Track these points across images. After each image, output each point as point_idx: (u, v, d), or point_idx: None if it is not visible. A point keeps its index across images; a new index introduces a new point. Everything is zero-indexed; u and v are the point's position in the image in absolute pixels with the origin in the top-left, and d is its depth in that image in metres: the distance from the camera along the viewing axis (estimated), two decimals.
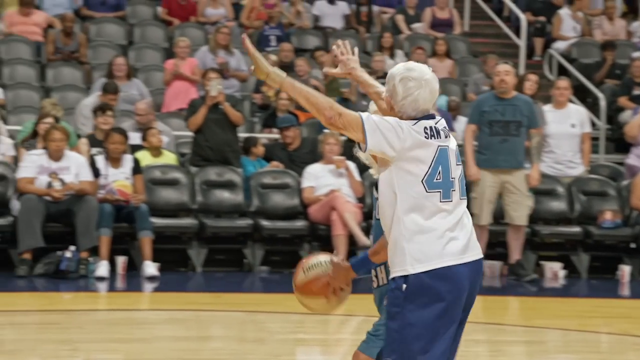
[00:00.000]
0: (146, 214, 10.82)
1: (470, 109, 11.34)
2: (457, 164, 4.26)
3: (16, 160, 11.29)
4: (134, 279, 10.69)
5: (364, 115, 4.16)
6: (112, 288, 10.38)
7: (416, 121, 4.21)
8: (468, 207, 4.35)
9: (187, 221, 11.42)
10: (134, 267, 10.88)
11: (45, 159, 10.69)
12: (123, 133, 11.19)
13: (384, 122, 4.15)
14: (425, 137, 4.18)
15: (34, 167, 10.66)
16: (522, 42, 16.12)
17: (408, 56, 14.76)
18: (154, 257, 10.71)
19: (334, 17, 16.07)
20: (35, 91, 13.43)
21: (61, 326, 8.55)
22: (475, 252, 4.23)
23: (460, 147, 11.50)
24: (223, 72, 13.16)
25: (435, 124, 4.23)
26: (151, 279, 10.55)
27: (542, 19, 16.61)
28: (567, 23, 16.41)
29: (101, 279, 10.43)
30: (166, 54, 14.60)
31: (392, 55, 14.84)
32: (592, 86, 14.88)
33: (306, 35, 15.62)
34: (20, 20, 14.30)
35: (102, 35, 14.91)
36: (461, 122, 12.29)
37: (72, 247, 10.51)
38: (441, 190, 4.18)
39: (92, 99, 12.24)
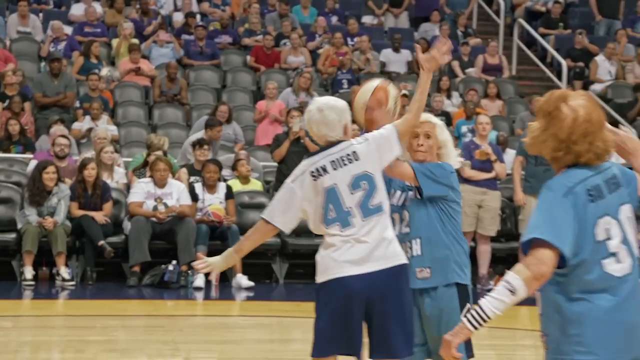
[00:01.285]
0: (237, 233, 10.89)
1: (519, 143, 11.25)
2: (351, 193, 4.24)
3: (128, 187, 11.46)
4: (226, 289, 10.77)
5: (265, 215, 4.44)
6: (207, 297, 10.46)
7: (304, 169, 4.34)
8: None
9: (271, 239, 11.43)
10: (225, 279, 10.96)
11: (152, 185, 10.83)
12: (218, 164, 11.30)
13: (282, 198, 4.41)
14: (314, 179, 4.29)
15: (142, 192, 10.82)
16: (563, 85, 15.95)
17: (463, 97, 14.71)
18: (243, 270, 10.78)
19: (398, 63, 16.08)
20: (144, 128, 13.63)
21: (165, 329, 8.63)
22: (379, 263, 4.21)
23: (509, 176, 11.47)
24: (303, 110, 13.22)
25: (331, 155, 4.31)
26: (244, 289, 10.61)
27: (580, 64, 16.43)
28: (603, 67, 16.22)
29: (198, 288, 10.53)
30: (254, 96, 14.74)
31: (449, 96, 14.80)
32: (626, 123, 14.66)
33: (374, 79, 15.61)
34: (130, 67, 14.55)
35: (200, 80, 15.11)
36: (509, 154, 12.20)
37: (174, 262, 10.63)
38: (339, 223, 4.24)
39: (196, 136, 12.37)
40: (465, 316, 3.25)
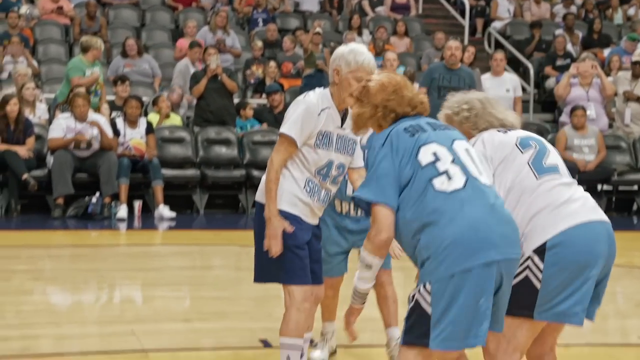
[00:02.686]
0: (158, 166, 10.79)
1: (423, 75, 11.29)
2: None
3: (50, 122, 11.20)
4: (148, 219, 10.66)
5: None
6: (130, 227, 10.36)
7: None
8: None
9: (192, 172, 11.40)
10: (148, 210, 10.87)
11: (72, 120, 10.61)
12: (139, 99, 11.12)
13: None
14: None
15: (62, 127, 10.59)
16: (466, 22, 16.06)
17: (373, 34, 14.70)
18: (165, 201, 10.70)
19: (311, 2, 15.95)
20: (64, 66, 13.26)
21: (89, 258, 8.54)
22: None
23: None
24: (220, 48, 13.07)
25: None
26: (166, 219, 10.54)
27: (482, 2, 16.54)
28: (503, 6, 16.36)
29: (121, 219, 10.41)
30: (172, 34, 14.47)
31: (360, 34, 14.77)
32: (523, 58, 14.86)
33: (288, 18, 15.51)
34: (51, 7, 14.13)
35: (119, 19, 14.76)
36: (415, 87, 12.27)
37: (97, 194, 10.48)
38: None
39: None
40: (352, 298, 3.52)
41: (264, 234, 4.16)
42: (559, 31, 15.24)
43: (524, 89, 13.53)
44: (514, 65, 14.71)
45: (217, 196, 11.60)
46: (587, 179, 11.37)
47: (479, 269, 3.21)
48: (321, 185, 4.21)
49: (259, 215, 4.24)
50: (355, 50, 4.19)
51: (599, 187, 11.76)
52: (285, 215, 4.15)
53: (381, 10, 16.03)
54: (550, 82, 14.11)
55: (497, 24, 16.16)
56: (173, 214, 10.62)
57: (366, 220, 4.65)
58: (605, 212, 3.75)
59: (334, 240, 4.88)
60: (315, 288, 4.27)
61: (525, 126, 12.87)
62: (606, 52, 14.52)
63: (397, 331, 4.85)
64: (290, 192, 4.16)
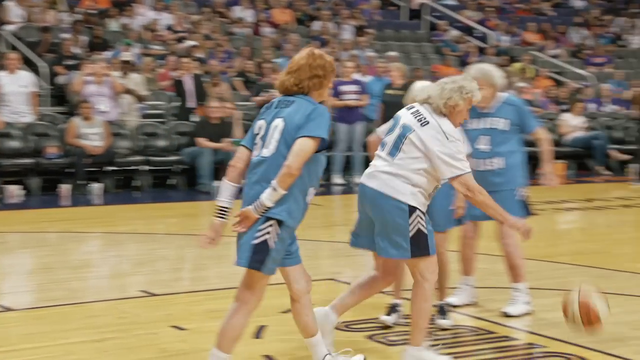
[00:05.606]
0: None
1: None
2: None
3: None
4: None
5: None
6: None
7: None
8: None
9: None
10: None
11: None
12: None
13: None
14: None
15: None
16: None
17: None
18: None
19: None
20: None
21: None
22: None
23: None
24: None
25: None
26: None
27: None
28: (14, 11, 15.40)
29: None
30: None
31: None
32: (36, 57, 14.15)
33: None
34: None
35: None
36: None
37: None
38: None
39: None
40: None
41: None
42: (65, 35, 14.80)
43: (41, 85, 12.91)
44: (30, 64, 13.92)
45: None
46: (96, 161, 11.36)
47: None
48: None
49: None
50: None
51: (107, 168, 11.71)
52: None
53: None
54: (61, 79, 13.63)
55: (10, 27, 15.15)
56: None
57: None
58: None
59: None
60: None
61: (43, 117, 12.37)
62: (107, 54, 14.43)
63: None
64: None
